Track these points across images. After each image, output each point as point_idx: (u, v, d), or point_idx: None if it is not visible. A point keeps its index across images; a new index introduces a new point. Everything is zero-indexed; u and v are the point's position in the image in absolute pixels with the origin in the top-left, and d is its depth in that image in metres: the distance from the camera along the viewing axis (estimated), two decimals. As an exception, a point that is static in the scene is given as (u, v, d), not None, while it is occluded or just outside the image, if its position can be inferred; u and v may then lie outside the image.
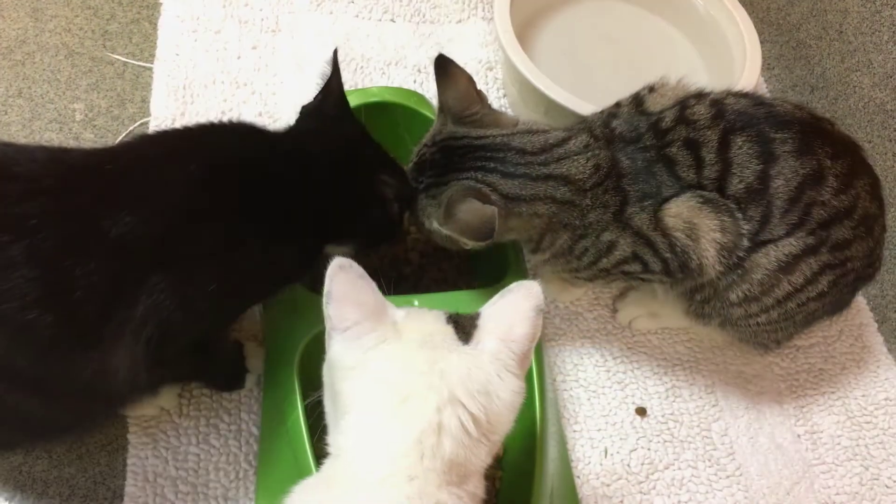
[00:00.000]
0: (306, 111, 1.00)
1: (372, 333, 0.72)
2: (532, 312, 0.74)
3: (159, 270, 0.78)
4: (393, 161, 1.02)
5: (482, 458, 0.71)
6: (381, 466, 0.67)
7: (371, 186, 0.96)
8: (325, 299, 0.73)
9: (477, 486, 0.71)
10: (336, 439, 0.72)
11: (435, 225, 0.98)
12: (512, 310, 0.75)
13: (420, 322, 0.75)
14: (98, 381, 0.78)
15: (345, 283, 0.73)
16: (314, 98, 1.00)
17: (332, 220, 0.96)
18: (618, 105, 1.07)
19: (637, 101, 1.06)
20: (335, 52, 0.99)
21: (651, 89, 1.07)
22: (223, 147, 0.90)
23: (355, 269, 0.74)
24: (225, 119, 0.97)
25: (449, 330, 0.75)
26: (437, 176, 0.98)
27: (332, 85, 0.98)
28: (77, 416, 0.86)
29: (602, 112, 1.06)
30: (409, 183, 1.01)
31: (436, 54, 1.02)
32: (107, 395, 0.83)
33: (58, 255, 0.74)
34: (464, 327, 0.75)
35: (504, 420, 0.72)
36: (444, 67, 1.02)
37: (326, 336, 0.75)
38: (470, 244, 0.96)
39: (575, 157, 0.98)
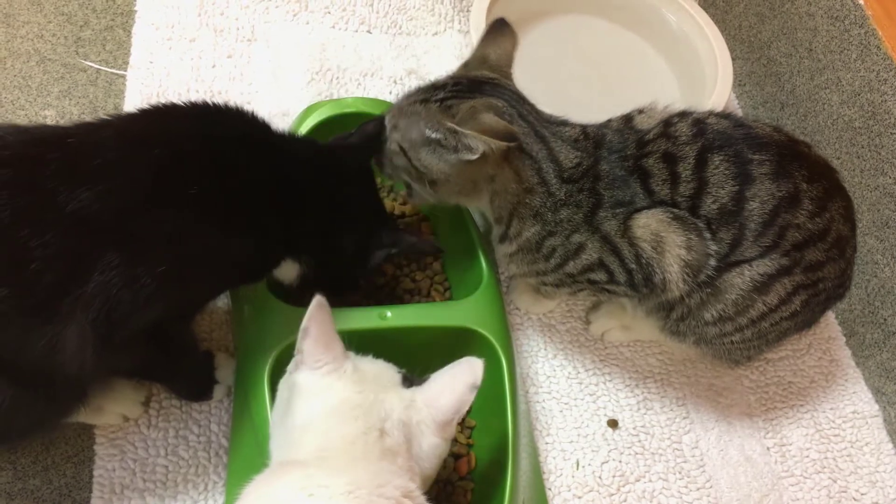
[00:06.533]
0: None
1: (337, 372, 0.82)
2: (463, 388, 0.83)
3: (114, 248, 0.77)
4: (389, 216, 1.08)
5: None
6: (331, 448, 0.77)
7: (358, 224, 1.01)
8: (301, 333, 0.81)
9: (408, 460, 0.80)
10: (286, 451, 0.80)
11: (438, 132, 0.96)
12: (448, 381, 0.84)
13: (372, 365, 0.87)
14: (49, 357, 0.77)
15: (322, 323, 0.81)
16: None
17: (299, 232, 0.95)
18: (609, 121, 1.09)
19: (627, 119, 1.08)
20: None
21: (640, 111, 1.09)
22: (193, 131, 0.89)
23: (328, 309, 0.82)
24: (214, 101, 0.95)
25: (397, 377, 0.86)
26: (459, 94, 1.00)
27: (373, 129, 1.05)
28: (33, 400, 0.83)
29: (594, 124, 1.08)
30: (402, 239, 1.06)
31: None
32: (60, 376, 0.80)
33: (14, 225, 0.73)
34: (409, 380, 0.86)
35: (425, 465, 0.82)
36: (501, 28, 1.08)
37: (294, 361, 0.83)
38: (476, 153, 0.93)
39: (565, 144, 1.00)
